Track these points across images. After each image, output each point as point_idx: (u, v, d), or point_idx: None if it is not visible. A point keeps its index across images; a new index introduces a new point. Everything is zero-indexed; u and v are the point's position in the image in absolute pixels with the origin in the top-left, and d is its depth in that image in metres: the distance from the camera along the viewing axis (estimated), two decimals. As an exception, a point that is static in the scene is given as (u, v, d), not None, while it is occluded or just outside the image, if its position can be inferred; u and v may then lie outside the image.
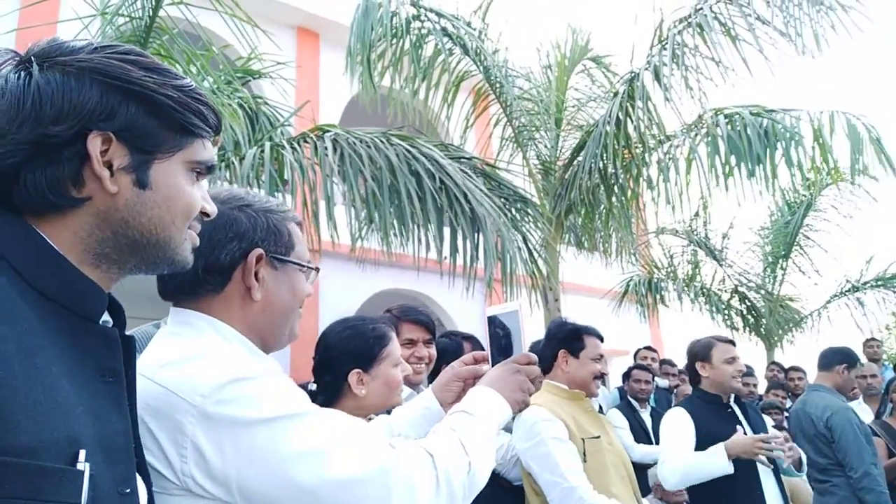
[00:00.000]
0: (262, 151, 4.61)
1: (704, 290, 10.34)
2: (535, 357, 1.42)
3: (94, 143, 0.79)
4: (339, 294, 9.34)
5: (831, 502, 3.89)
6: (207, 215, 0.93)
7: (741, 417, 3.15)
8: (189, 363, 1.00)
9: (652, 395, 5.55)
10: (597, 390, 2.83)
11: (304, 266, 1.21)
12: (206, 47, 4.77)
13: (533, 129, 7.45)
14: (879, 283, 9.99)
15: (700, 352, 3.25)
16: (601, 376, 2.77)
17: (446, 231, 4.82)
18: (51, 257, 0.78)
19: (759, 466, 2.95)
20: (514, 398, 1.33)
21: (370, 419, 1.83)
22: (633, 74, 6.22)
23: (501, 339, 1.51)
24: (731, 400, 3.23)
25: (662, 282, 10.31)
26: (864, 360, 6.67)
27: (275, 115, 5.67)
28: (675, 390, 6.25)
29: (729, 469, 2.85)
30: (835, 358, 4.21)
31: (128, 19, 4.38)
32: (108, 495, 0.72)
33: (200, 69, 4.64)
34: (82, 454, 0.68)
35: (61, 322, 0.76)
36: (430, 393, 1.55)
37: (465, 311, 10.12)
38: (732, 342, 3.33)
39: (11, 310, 0.70)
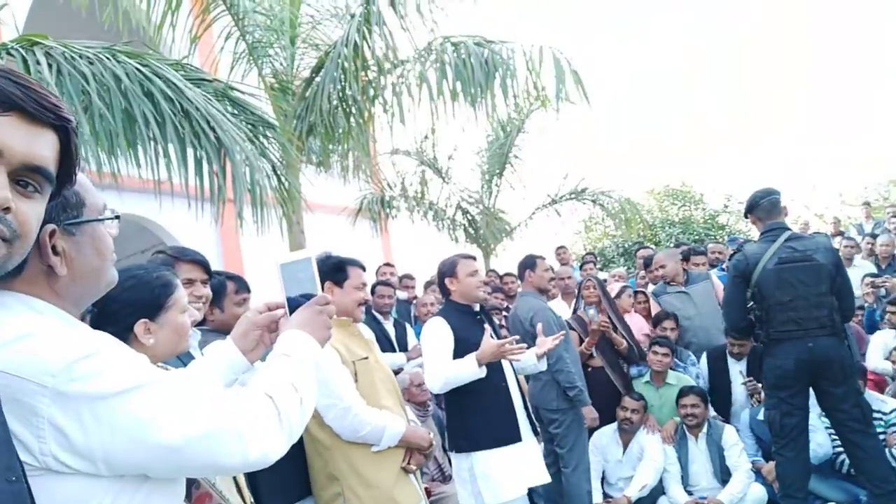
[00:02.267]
0: (-48, 63, 3.88)
1: (432, 206, 11.20)
2: (330, 297, 1.58)
3: None
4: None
5: (538, 386, 4.76)
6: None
7: (486, 323, 3.63)
8: (22, 343, 0.96)
9: (394, 308, 6.01)
10: (362, 316, 3.06)
11: (101, 219, 1.16)
12: None
13: (267, 45, 7.19)
14: (572, 196, 11.74)
15: (447, 269, 3.67)
16: (364, 303, 3.00)
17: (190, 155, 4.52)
18: None
19: (505, 366, 3.50)
20: (321, 336, 1.50)
21: (163, 369, 1.83)
22: (368, -4, 6.31)
23: (299, 284, 1.61)
24: (478, 308, 3.70)
25: (394, 199, 10.92)
26: (557, 265, 7.96)
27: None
28: (413, 301, 6.83)
29: (481, 373, 3.37)
30: (520, 268, 5.05)
31: None
32: None
33: None
34: None
35: None
36: (231, 343, 1.62)
37: (193, 234, 9.67)
38: (473, 258, 3.80)
39: None
